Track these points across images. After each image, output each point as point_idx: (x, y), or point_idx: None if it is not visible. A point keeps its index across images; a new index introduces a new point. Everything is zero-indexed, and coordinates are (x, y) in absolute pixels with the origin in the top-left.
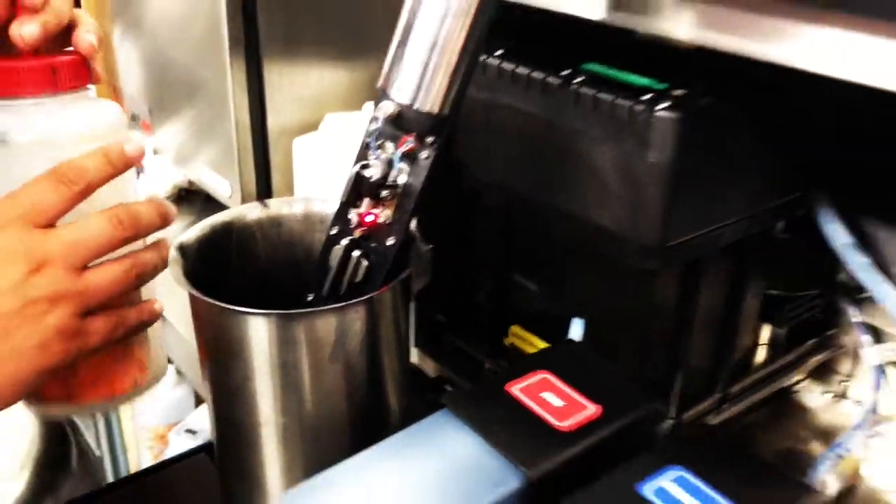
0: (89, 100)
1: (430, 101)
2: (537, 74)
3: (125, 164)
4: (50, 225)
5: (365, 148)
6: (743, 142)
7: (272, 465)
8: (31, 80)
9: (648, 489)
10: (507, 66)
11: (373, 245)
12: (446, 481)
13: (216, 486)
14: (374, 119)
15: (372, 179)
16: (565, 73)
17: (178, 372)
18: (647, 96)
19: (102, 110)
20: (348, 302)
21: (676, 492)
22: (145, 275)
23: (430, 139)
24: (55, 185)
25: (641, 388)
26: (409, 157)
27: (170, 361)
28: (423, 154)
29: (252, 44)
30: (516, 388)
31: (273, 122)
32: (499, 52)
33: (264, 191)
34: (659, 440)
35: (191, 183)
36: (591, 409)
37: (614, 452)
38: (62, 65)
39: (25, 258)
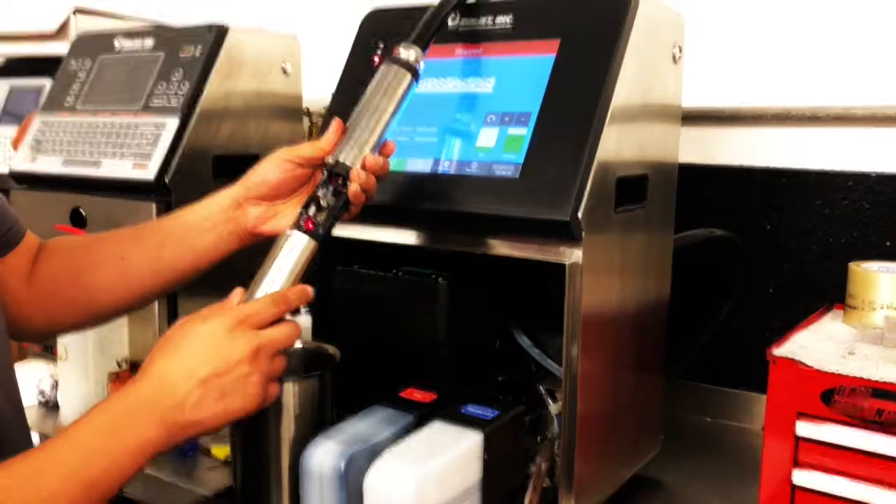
0: None
1: (352, 160)
2: (384, 273)
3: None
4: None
5: (317, 187)
6: (478, 295)
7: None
8: None
9: (464, 410)
10: (363, 270)
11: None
12: (388, 420)
13: None
14: (324, 169)
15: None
16: (395, 271)
17: None
18: (433, 276)
19: None
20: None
21: (474, 410)
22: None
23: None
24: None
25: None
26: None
27: None
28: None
29: None
30: (404, 393)
31: None
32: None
33: None
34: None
35: None
36: (433, 395)
37: (442, 402)
38: None
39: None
